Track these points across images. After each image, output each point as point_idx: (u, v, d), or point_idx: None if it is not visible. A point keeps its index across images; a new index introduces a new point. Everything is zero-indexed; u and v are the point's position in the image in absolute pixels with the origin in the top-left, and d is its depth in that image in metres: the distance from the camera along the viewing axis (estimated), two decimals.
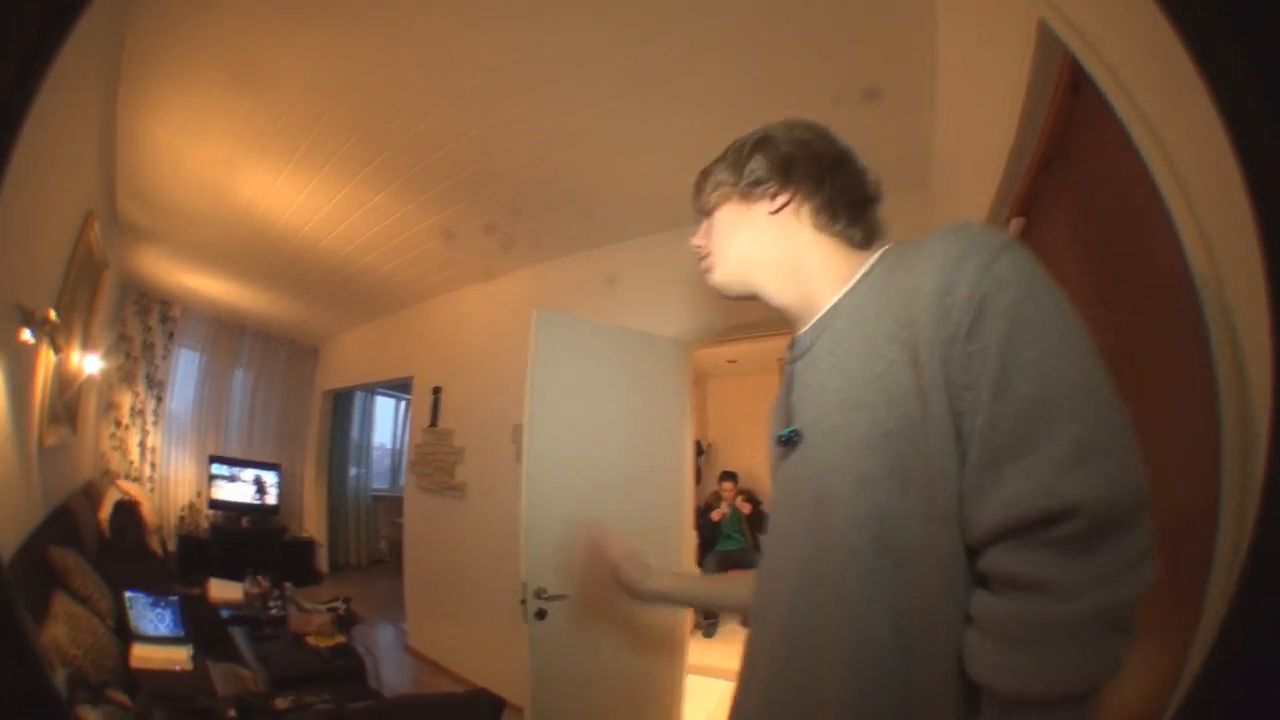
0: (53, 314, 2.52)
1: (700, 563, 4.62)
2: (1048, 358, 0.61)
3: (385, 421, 7.69)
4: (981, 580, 0.64)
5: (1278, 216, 0.39)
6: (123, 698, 2.05)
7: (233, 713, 2.45)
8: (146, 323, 4.51)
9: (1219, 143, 0.50)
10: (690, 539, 3.07)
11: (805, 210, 0.86)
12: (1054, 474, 0.57)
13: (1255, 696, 0.39)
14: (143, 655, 2.40)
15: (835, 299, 0.82)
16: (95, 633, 2.17)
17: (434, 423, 4.38)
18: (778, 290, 0.88)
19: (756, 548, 4.88)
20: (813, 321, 0.84)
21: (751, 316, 2.95)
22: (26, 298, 2.22)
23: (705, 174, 0.94)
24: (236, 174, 3.09)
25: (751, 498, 5.01)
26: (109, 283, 3.67)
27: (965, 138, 1.66)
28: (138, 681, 2.23)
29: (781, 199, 0.86)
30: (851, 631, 0.68)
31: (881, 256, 0.81)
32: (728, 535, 4.89)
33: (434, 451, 4.31)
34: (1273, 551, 0.40)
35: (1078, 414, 0.58)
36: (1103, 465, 0.56)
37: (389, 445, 7.57)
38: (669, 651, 2.88)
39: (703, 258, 0.94)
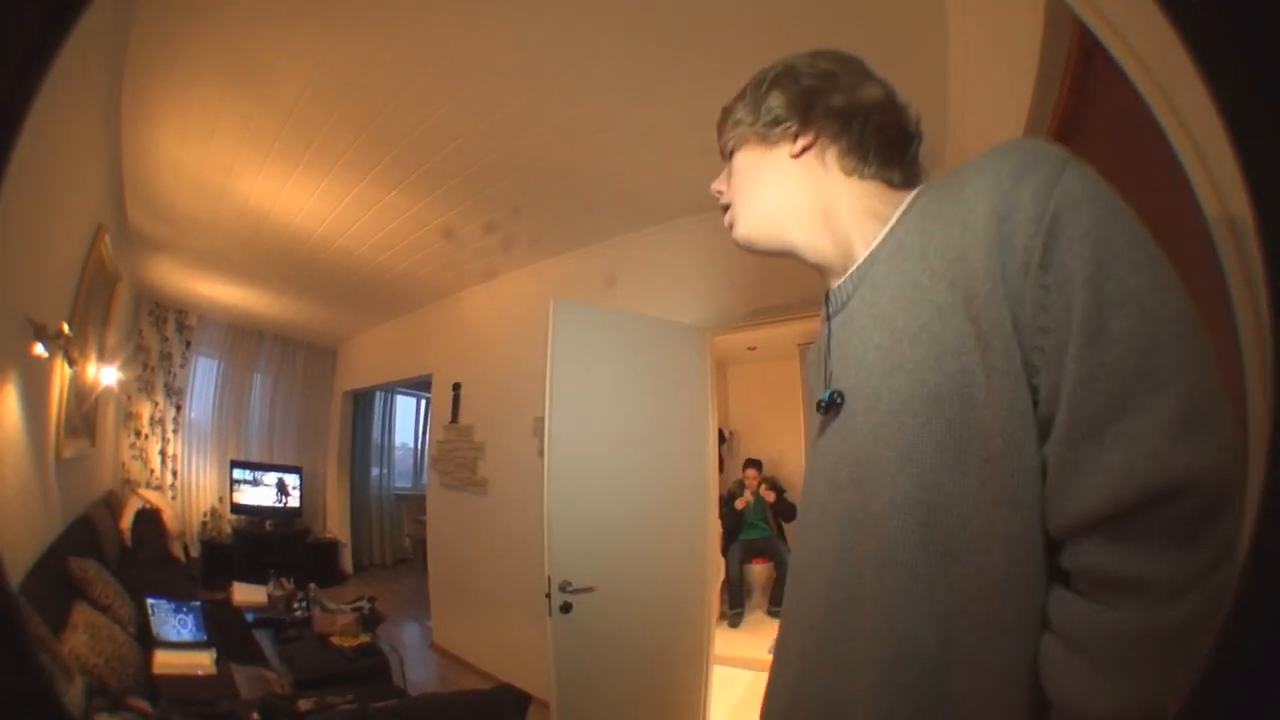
0: (65, 327, 2.54)
1: (725, 552, 4.58)
2: (1148, 289, 0.48)
3: (406, 420, 7.74)
4: (1060, 577, 0.53)
5: (1278, 216, 0.38)
6: (143, 704, 2.07)
7: (255, 716, 2.47)
8: (163, 332, 4.57)
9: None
10: (715, 528, 3.04)
11: (832, 152, 0.74)
12: (1167, 440, 0.46)
13: (1256, 699, 0.38)
14: (165, 661, 2.43)
15: (874, 244, 0.71)
16: (116, 640, 2.19)
17: (454, 419, 4.39)
18: (810, 243, 0.76)
19: (781, 536, 4.86)
20: (850, 271, 0.73)
21: (771, 300, 2.93)
22: (38, 312, 2.23)
23: (726, 111, 0.83)
24: (245, 179, 3.10)
25: (775, 485, 4.94)
26: (123, 294, 3.72)
27: (978, 122, 1.61)
28: (159, 688, 2.25)
29: (803, 140, 0.75)
30: (889, 635, 0.58)
31: (922, 190, 0.70)
32: (752, 524, 4.84)
33: (455, 448, 4.32)
34: (1273, 552, 0.38)
35: (1186, 364, 0.47)
36: (1215, 429, 0.46)
37: (410, 444, 7.63)
38: (694, 642, 2.86)
39: (724, 208, 0.82)
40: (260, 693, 2.78)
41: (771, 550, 4.75)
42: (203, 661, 2.63)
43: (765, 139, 0.77)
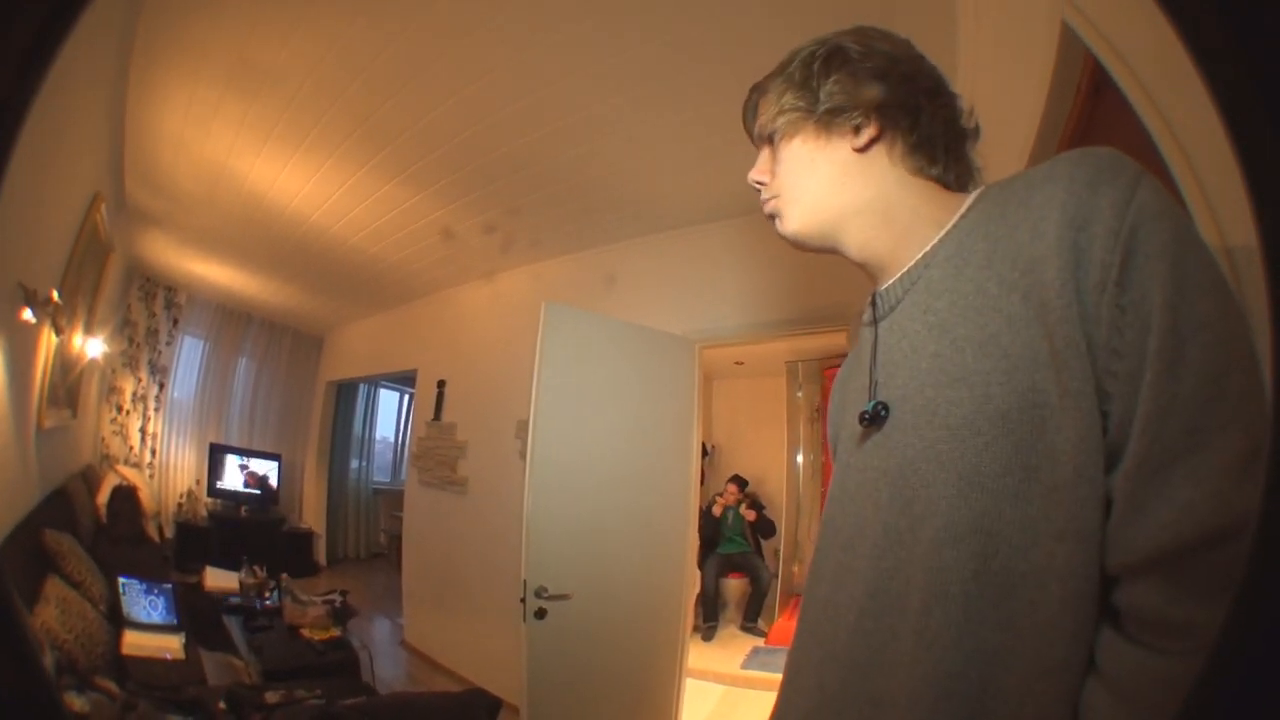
0: (55, 295, 2.50)
1: (701, 565, 4.58)
2: (1219, 316, 0.46)
3: (388, 414, 7.67)
4: (1108, 617, 0.50)
5: (1278, 217, 0.38)
6: (111, 686, 2.03)
7: (222, 705, 2.42)
8: (151, 308, 4.50)
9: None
10: (693, 541, 3.05)
11: (898, 148, 0.68)
12: (1230, 481, 0.44)
13: (1257, 701, 0.37)
14: (134, 642, 2.38)
15: (928, 245, 0.66)
16: (87, 618, 2.15)
17: (437, 416, 4.36)
18: (863, 242, 0.70)
19: (758, 552, 4.86)
20: (901, 272, 0.68)
21: (761, 316, 2.94)
22: (29, 277, 2.20)
23: (760, 91, 0.75)
24: (245, 160, 3.08)
25: (755, 503, 4.95)
26: (114, 266, 3.66)
27: (984, 142, 1.63)
28: (127, 669, 2.20)
29: (868, 133, 0.68)
30: (931, 672, 0.53)
31: (982, 193, 0.66)
32: (730, 538, 4.84)
33: (436, 445, 4.29)
34: (1273, 552, 0.38)
35: (1250, 397, 0.45)
36: (1263, 469, 0.43)
37: (391, 439, 7.55)
38: (668, 654, 2.85)
39: (766, 199, 0.75)
40: (228, 681, 2.73)
41: (748, 566, 4.75)
42: (171, 645, 2.58)
43: (825, 128, 0.69)
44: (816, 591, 0.71)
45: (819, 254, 0.75)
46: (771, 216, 0.74)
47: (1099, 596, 0.50)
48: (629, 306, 3.23)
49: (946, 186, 0.69)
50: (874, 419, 0.65)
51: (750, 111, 0.77)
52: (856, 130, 0.68)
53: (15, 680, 0.48)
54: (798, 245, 0.74)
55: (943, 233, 0.65)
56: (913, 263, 0.67)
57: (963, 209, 0.65)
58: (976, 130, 0.72)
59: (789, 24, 0.80)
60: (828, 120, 0.69)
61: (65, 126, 2.17)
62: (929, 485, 0.57)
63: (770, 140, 0.73)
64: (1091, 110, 1.03)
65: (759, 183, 0.75)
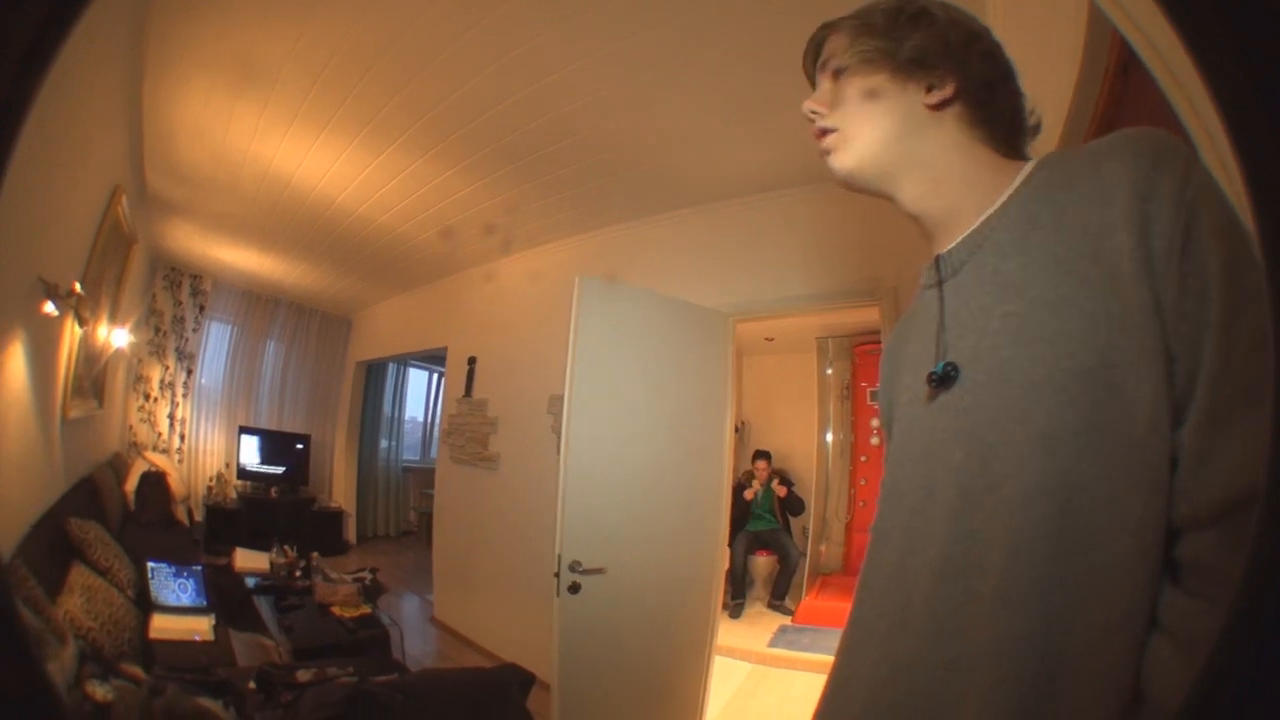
0: (77, 287, 2.52)
1: (729, 541, 4.55)
2: (1264, 288, 0.46)
3: (417, 394, 7.77)
4: (1170, 571, 0.52)
5: (1278, 216, 0.39)
6: (137, 670, 2.06)
7: (252, 685, 2.47)
8: (177, 296, 4.57)
9: None
10: (726, 518, 3.03)
11: (966, 115, 0.70)
12: None
13: (1256, 702, 0.37)
14: (162, 626, 2.43)
15: (991, 208, 0.68)
16: (113, 604, 2.19)
17: (468, 393, 4.36)
18: (919, 195, 0.72)
19: (787, 529, 4.83)
20: (965, 234, 0.69)
21: (794, 290, 2.88)
22: (50, 271, 2.21)
23: (831, 28, 0.76)
24: (269, 144, 3.06)
25: (785, 479, 4.90)
26: (138, 257, 3.70)
27: None
28: (154, 653, 2.25)
29: (942, 94, 0.69)
30: (1011, 631, 0.54)
31: (1041, 162, 0.67)
32: (758, 515, 4.81)
33: (468, 422, 4.30)
34: (1273, 556, 0.38)
35: None
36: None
37: (420, 418, 7.65)
38: (698, 631, 2.84)
39: (823, 132, 0.74)
40: (258, 660, 2.78)
41: (777, 543, 4.72)
42: (201, 627, 2.63)
43: (902, 75, 0.70)
44: (881, 558, 0.71)
45: (866, 196, 0.75)
46: (825, 152, 0.74)
47: (1165, 550, 0.52)
48: (661, 280, 3.16)
49: (1004, 156, 0.71)
50: (944, 380, 0.65)
51: (814, 46, 0.77)
52: (929, 89, 0.69)
53: (15, 680, 0.46)
54: (847, 182, 0.74)
55: (1004, 197, 0.67)
56: (975, 226, 0.68)
57: (1022, 176, 0.67)
58: (1037, 127, 0.74)
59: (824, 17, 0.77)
60: (906, 70, 0.69)
61: (82, 120, 2.16)
62: (1009, 443, 0.57)
63: (835, 74, 0.74)
64: (1121, 90, 1.05)
65: (815, 112, 0.75)
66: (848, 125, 0.72)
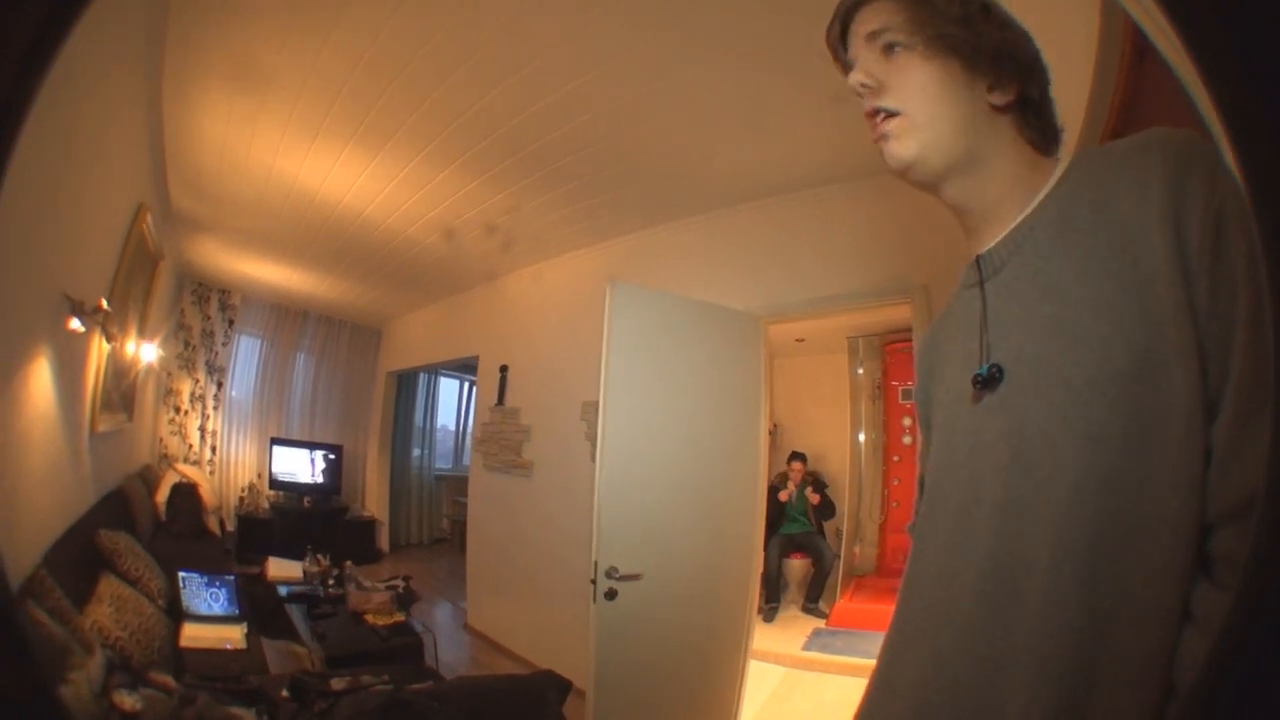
0: (104, 303, 2.55)
1: (764, 546, 4.47)
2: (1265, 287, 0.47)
3: (449, 402, 7.81)
4: (1202, 564, 0.53)
5: (1277, 217, 0.39)
6: (167, 679, 2.05)
7: (286, 693, 2.45)
8: (205, 311, 4.64)
9: None
10: (761, 521, 2.97)
11: (1019, 119, 0.69)
12: None
13: (1256, 704, 0.38)
14: (193, 634, 2.43)
15: (1030, 207, 0.67)
16: (144, 613, 2.18)
17: (501, 401, 4.36)
18: (972, 191, 0.70)
19: (820, 531, 4.77)
20: (1005, 233, 0.69)
21: (824, 290, 2.82)
22: (76, 288, 2.23)
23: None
24: (293, 159, 3.07)
25: (819, 484, 4.82)
26: (165, 273, 3.76)
27: None
28: (185, 661, 2.24)
29: (1008, 95, 0.68)
30: (1058, 629, 0.55)
31: (1074, 161, 0.67)
32: (792, 518, 4.74)
33: (500, 430, 4.30)
34: (1273, 555, 0.39)
35: None
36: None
37: (451, 426, 7.69)
38: (734, 635, 2.79)
39: (878, 111, 0.70)
40: (290, 668, 2.77)
41: (811, 546, 4.64)
42: (233, 635, 2.62)
43: (970, 69, 0.67)
44: (926, 559, 0.72)
45: (912, 187, 0.72)
46: (883, 136, 0.70)
47: (1198, 545, 0.53)
48: (692, 284, 3.12)
49: (1041, 154, 0.70)
50: (989, 381, 0.65)
51: (847, 11, 0.73)
52: (991, 88, 0.68)
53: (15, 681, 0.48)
54: (907, 170, 0.70)
55: (1042, 195, 0.67)
56: (1015, 224, 0.68)
57: (1059, 173, 0.67)
58: (1063, 131, 0.73)
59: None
60: (978, 64, 0.68)
61: (104, 139, 2.19)
62: (1055, 445, 0.58)
63: (888, 48, 0.69)
64: (1138, 77, 1.06)
65: (866, 86, 0.70)
66: (915, 110, 0.68)
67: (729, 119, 2.42)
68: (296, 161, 3.06)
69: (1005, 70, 0.68)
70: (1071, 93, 1.13)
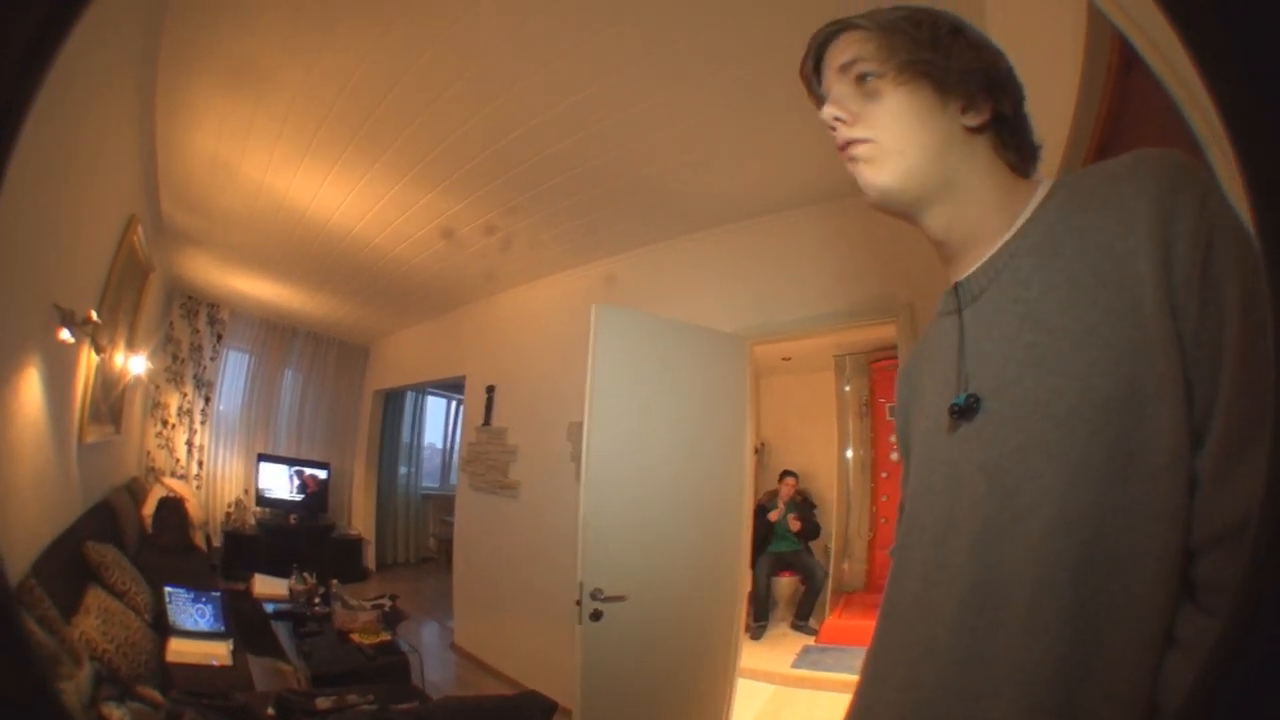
0: (93, 314, 2.54)
1: (752, 563, 4.46)
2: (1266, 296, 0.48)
3: (436, 421, 7.78)
4: (1186, 590, 0.53)
5: (1277, 217, 0.39)
6: (155, 694, 2.02)
7: (271, 711, 2.41)
8: (194, 325, 4.61)
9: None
10: (748, 541, 2.99)
11: (995, 139, 0.69)
12: None
13: (1256, 705, 0.38)
14: (179, 650, 2.39)
15: (1009, 233, 0.66)
16: (130, 627, 2.15)
17: (487, 421, 4.35)
18: (950, 218, 0.69)
19: (809, 548, 4.76)
20: (984, 259, 0.67)
21: (809, 310, 2.86)
22: (66, 299, 2.23)
23: (852, 26, 0.71)
24: (283, 176, 3.09)
25: (805, 504, 4.84)
26: (154, 286, 3.75)
27: None
28: (171, 677, 2.20)
29: (982, 116, 0.67)
30: (1040, 660, 0.54)
31: (1056, 184, 0.66)
32: (781, 536, 4.73)
33: (487, 450, 4.28)
34: (1273, 557, 0.39)
35: None
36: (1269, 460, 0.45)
37: (439, 445, 7.64)
38: (721, 655, 2.79)
39: (857, 142, 0.69)
40: (276, 686, 2.73)
41: (800, 565, 4.64)
42: (219, 652, 2.58)
43: (943, 93, 0.67)
44: (904, 590, 0.70)
45: (894, 218, 0.72)
46: (854, 162, 0.69)
47: (1182, 572, 0.53)
48: (679, 304, 3.16)
49: (1019, 176, 0.70)
50: (966, 411, 0.64)
51: (821, 45, 0.73)
52: (964, 110, 0.67)
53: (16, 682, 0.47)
54: (881, 199, 0.69)
55: (1021, 221, 0.66)
56: (995, 250, 0.67)
57: (1039, 197, 0.66)
58: (1041, 148, 0.72)
59: (836, 12, 0.74)
60: (950, 87, 0.67)
61: (97, 151, 2.20)
62: (1036, 476, 0.57)
63: (860, 79, 0.69)
64: (1124, 89, 1.06)
65: (839, 119, 0.70)
66: (887, 138, 0.68)
67: (716, 140, 2.46)
68: (287, 178, 3.09)
69: (978, 90, 0.67)
70: (1056, 106, 1.17)
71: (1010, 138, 0.69)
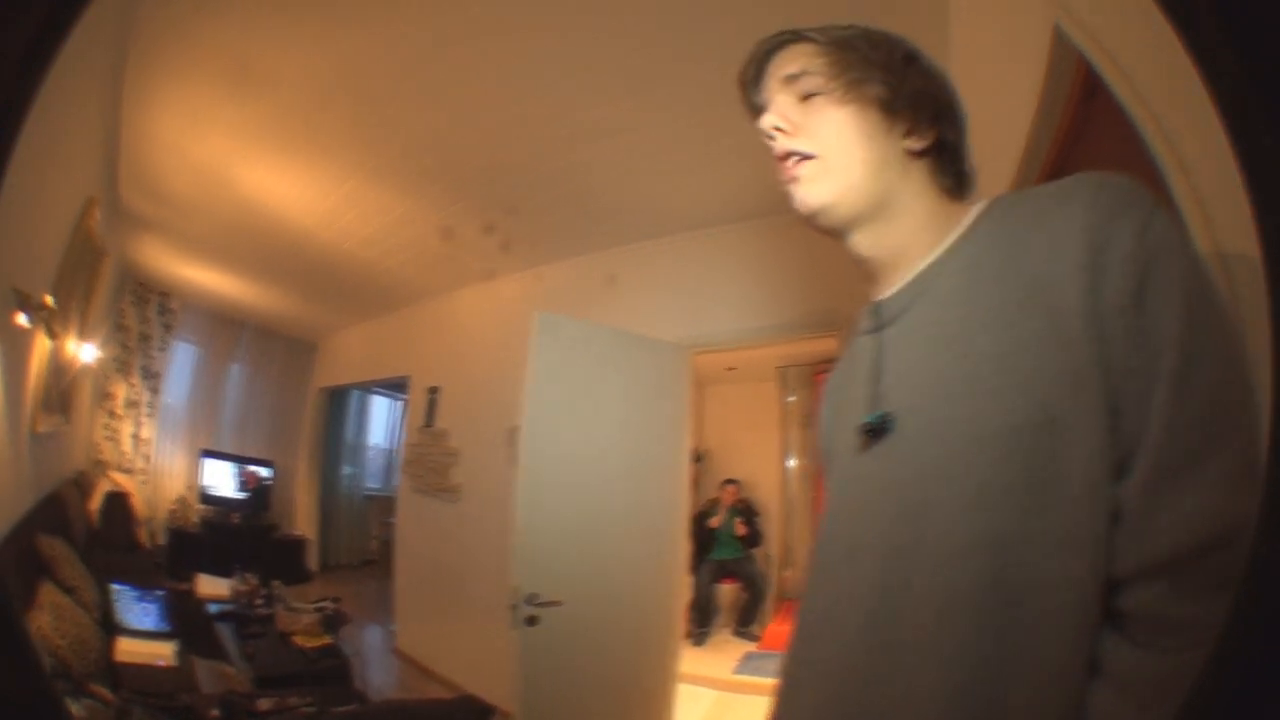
0: (49, 299, 2.49)
1: (694, 570, 4.59)
2: (1225, 343, 0.51)
3: (380, 421, 7.65)
4: (1111, 620, 0.52)
5: (1278, 217, 0.39)
6: (105, 692, 2.02)
7: (216, 712, 2.41)
8: (144, 314, 4.48)
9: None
10: (685, 547, 3.09)
11: (933, 165, 0.69)
12: (1230, 490, 0.48)
13: (1255, 699, 0.38)
14: (127, 649, 2.36)
15: (935, 254, 0.66)
16: (80, 624, 2.13)
17: (429, 423, 4.35)
18: (879, 236, 0.69)
19: (750, 557, 4.87)
20: (907, 280, 0.67)
21: (753, 322, 2.98)
22: (23, 281, 2.19)
23: (802, 39, 0.71)
24: (242, 168, 3.10)
25: (748, 517, 4.96)
26: (108, 271, 3.64)
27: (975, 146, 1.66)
28: (120, 676, 2.19)
29: (925, 141, 0.68)
30: (944, 684, 0.54)
31: (989, 206, 0.66)
32: (723, 543, 4.85)
33: (428, 452, 4.28)
34: (1273, 557, 0.39)
35: (1246, 419, 0.49)
36: (1257, 484, 0.47)
37: (383, 445, 7.52)
38: (660, 661, 2.86)
39: (790, 155, 0.68)
40: (220, 688, 2.71)
41: (743, 572, 4.76)
42: (164, 652, 2.56)
43: (889, 114, 0.67)
44: (814, 605, 0.70)
45: (821, 232, 0.71)
46: (793, 179, 0.69)
47: (1102, 602, 0.52)
48: (624, 312, 3.27)
49: (951, 199, 0.70)
50: (877, 431, 0.64)
51: (766, 55, 0.72)
52: (908, 134, 0.68)
53: (16, 682, 0.49)
54: (817, 215, 0.68)
55: (949, 242, 0.66)
56: (918, 271, 0.67)
57: (969, 220, 0.66)
58: (975, 174, 0.72)
59: (788, 24, 0.75)
60: (897, 110, 0.67)
61: (59, 131, 2.17)
62: (943, 500, 0.57)
63: (807, 93, 0.69)
64: (1085, 114, 1.05)
65: (780, 130, 0.69)
66: (833, 154, 0.67)
67: (664, 152, 2.58)
68: (244, 170, 3.11)
69: (925, 117, 0.67)
70: (1013, 123, 1.18)
71: (950, 164, 0.69)
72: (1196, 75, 0.45)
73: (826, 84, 0.68)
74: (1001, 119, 1.30)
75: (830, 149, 0.67)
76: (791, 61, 0.70)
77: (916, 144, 0.68)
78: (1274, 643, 0.38)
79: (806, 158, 0.67)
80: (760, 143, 0.72)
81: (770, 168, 0.72)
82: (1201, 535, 0.48)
